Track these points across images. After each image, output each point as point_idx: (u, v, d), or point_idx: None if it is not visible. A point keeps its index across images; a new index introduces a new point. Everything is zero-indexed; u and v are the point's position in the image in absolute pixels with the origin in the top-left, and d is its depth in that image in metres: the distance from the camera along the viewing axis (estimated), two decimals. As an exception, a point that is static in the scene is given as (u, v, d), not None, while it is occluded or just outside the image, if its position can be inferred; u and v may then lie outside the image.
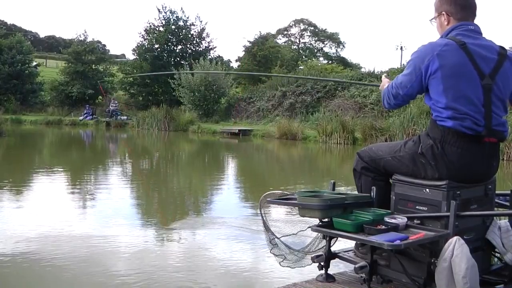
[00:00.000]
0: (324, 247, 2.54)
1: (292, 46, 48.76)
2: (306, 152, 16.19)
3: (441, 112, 2.23)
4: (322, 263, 2.51)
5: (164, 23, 32.12)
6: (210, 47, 33.09)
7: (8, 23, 64.41)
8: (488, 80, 2.21)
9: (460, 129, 2.20)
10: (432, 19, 2.45)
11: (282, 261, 2.75)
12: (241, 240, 4.96)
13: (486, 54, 2.24)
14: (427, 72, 2.22)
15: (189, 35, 32.38)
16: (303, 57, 45.46)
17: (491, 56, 2.24)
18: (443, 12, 2.35)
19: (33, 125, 26.08)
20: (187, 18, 32.74)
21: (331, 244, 2.52)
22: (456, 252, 2.06)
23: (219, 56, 35.36)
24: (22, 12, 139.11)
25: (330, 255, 2.52)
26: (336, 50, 50.39)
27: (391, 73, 26.93)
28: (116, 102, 28.32)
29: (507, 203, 2.63)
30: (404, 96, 2.35)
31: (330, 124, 17.44)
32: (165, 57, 31.87)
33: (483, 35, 2.34)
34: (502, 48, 2.30)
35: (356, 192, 2.68)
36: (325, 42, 50.48)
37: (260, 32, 38.22)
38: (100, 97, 32.34)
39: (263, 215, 2.77)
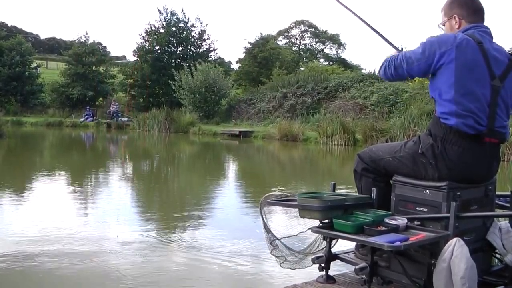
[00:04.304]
0: (324, 249, 2.54)
1: (293, 47, 48.70)
2: (306, 154, 16.19)
3: (446, 107, 2.22)
4: (322, 264, 2.51)
5: (164, 25, 32.12)
6: (211, 48, 33.12)
7: (9, 24, 64.57)
8: (497, 82, 2.23)
9: (462, 128, 2.20)
10: (440, 23, 2.46)
11: (282, 262, 2.75)
12: (242, 242, 4.96)
13: (499, 57, 2.27)
14: (440, 59, 2.21)
15: (190, 37, 32.38)
16: (304, 58, 45.44)
17: (503, 59, 2.28)
18: (454, 16, 2.37)
19: (34, 126, 26.09)
20: (188, 19, 32.74)
21: (332, 245, 2.52)
22: (456, 252, 2.06)
23: (220, 58, 35.35)
24: (23, 14, 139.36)
25: (331, 256, 2.52)
26: (337, 52, 50.31)
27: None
28: (117, 103, 28.30)
29: (508, 204, 2.63)
30: (406, 72, 2.32)
31: (331, 125, 17.42)
32: (165, 59, 31.84)
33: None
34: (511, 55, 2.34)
35: (356, 194, 2.69)
36: (326, 44, 50.41)
37: (260, 33, 38.03)
38: (100, 98, 32.41)
39: (263, 216, 2.77)
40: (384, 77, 2.44)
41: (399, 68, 2.33)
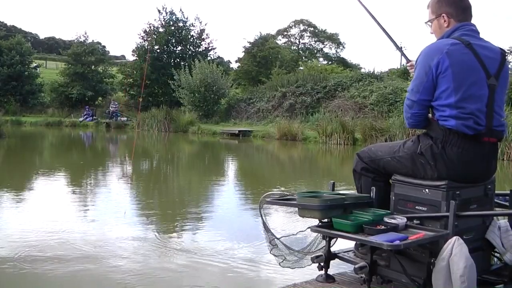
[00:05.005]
0: (324, 248, 2.55)
1: (292, 46, 48.68)
2: (306, 153, 16.19)
3: (445, 111, 2.22)
4: (322, 264, 2.51)
5: (164, 24, 32.09)
6: (210, 48, 33.09)
7: (8, 24, 64.49)
8: (493, 80, 2.23)
9: (462, 129, 2.20)
10: (428, 21, 2.44)
11: (282, 261, 2.75)
12: (241, 241, 4.96)
13: (491, 54, 2.26)
14: (437, 70, 2.19)
15: (189, 36, 32.35)
16: (303, 57, 45.41)
17: (495, 57, 2.27)
18: (443, 14, 2.34)
19: (33, 126, 26.06)
20: (187, 19, 32.72)
21: (331, 244, 2.52)
22: (455, 251, 2.06)
23: (219, 57, 35.33)
24: (22, 14, 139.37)
25: (330, 256, 2.52)
26: (336, 51, 50.32)
27: (391, 74, 26.96)
28: (116, 103, 28.27)
29: (507, 203, 2.64)
30: (418, 101, 2.27)
31: (330, 124, 17.44)
32: (165, 58, 31.82)
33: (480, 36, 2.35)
34: (502, 49, 2.33)
35: (355, 193, 2.69)
36: (325, 43, 50.40)
37: (260, 32, 38.07)
38: (100, 98, 32.36)
39: (263, 215, 2.77)
40: (413, 125, 2.37)
41: (412, 106, 2.30)
